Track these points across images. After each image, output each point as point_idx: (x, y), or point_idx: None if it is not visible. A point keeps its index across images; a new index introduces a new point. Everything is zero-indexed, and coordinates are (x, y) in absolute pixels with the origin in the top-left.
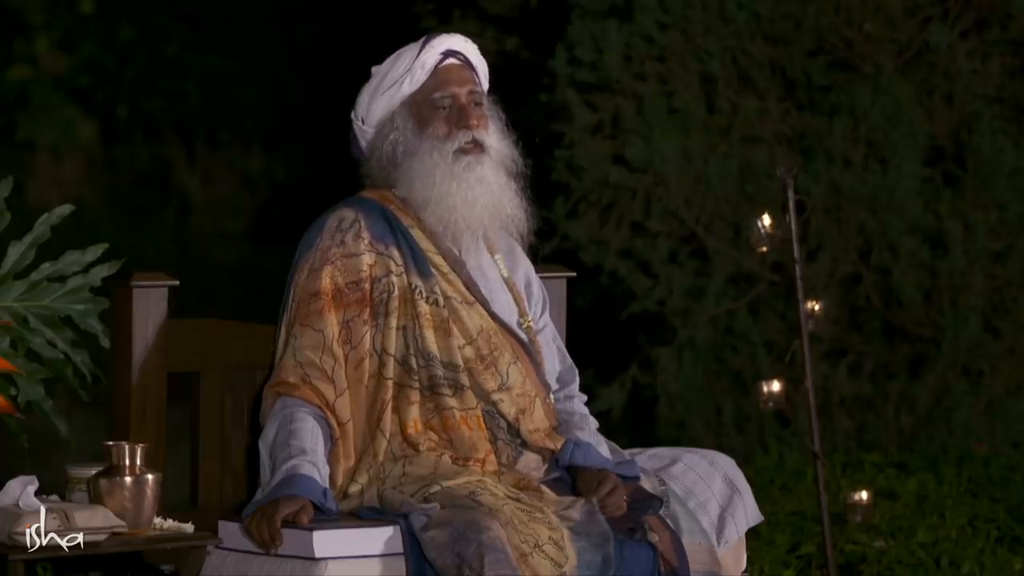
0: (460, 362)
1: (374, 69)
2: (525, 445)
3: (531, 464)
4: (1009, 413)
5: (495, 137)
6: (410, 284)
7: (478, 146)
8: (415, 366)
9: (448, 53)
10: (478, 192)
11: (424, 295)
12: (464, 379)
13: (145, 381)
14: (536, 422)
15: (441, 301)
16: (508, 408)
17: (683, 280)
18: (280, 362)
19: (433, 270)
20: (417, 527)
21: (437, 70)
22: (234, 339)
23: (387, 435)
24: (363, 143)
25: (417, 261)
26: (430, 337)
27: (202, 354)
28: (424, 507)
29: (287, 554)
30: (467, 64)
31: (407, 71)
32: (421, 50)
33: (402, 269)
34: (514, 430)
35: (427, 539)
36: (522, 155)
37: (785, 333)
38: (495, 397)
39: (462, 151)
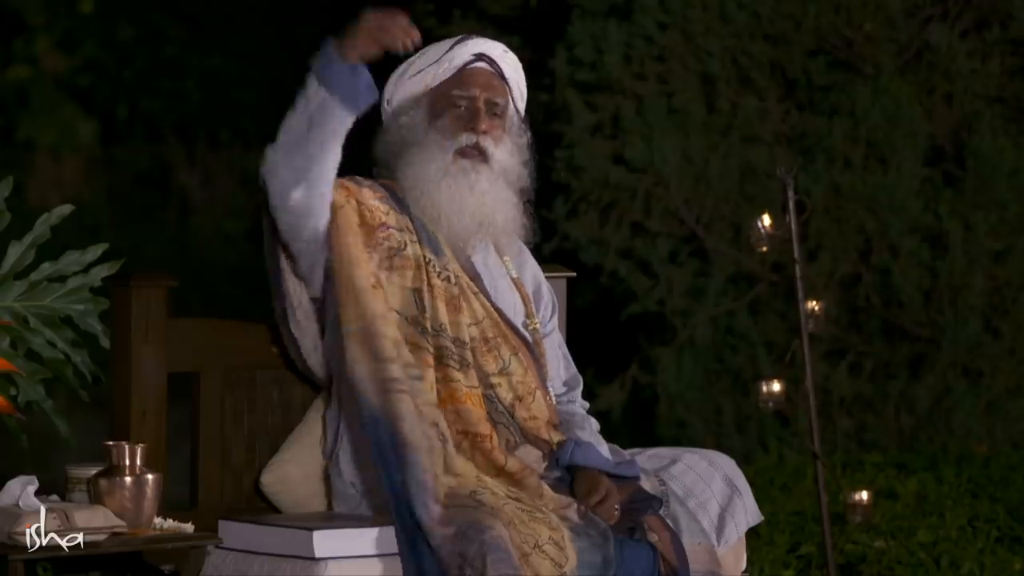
0: (467, 340)
1: (412, 58)
2: (524, 436)
3: (531, 458)
4: (1009, 413)
5: (504, 152)
6: (424, 255)
7: (480, 153)
8: (429, 329)
9: (480, 56)
10: (467, 197)
11: (437, 270)
12: (469, 357)
13: (145, 381)
14: (534, 411)
15: (453, 279)
16: (505, 393)
17: (683, 280)
18: None
19: (445, 249)
20: (429, 515)
21: (464, 69)
22: (234, 339)
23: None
24: (385, 121)
25: (430, 239)
26: (442, 308)
27: (202, 354)
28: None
29: (287, 554)
30: (498, 73)
31: (435, 63)
32: (454, 46)
33: (416, 238)
34: (510, 415)
35: (432, 531)
36: (534, 178)
37: (785, 333)
38: (494, 380)
39: (462, 153)
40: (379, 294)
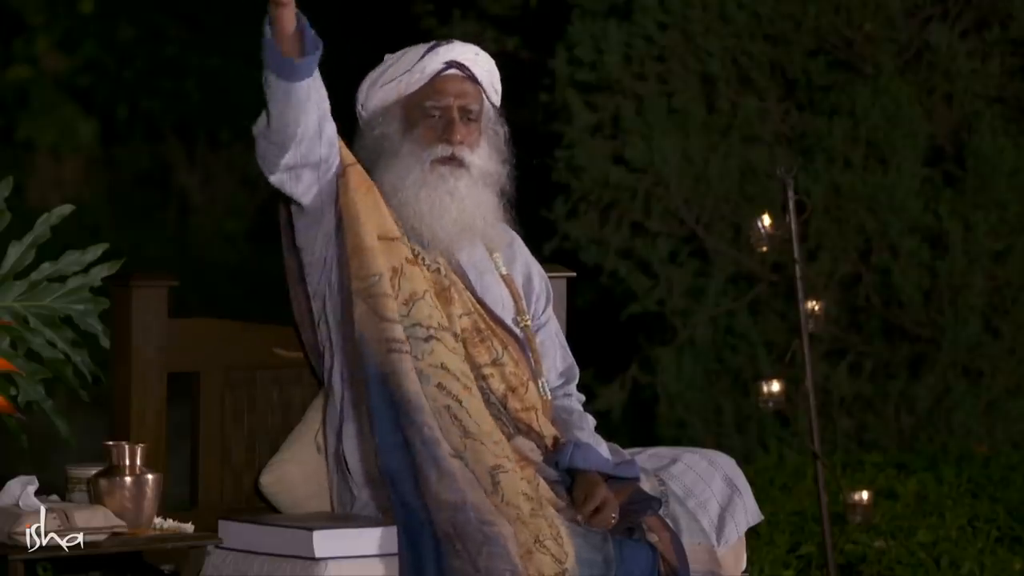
0: (459, 331)
1: (386, 57)
2: (517, 428)
3: (525, 449)
4: (1009, 413)
5: (481, 156)
6: (412, 248)
7: (456, 161)
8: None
9: (452, 64)
10: (447, 204)
11: (426, 263)
12: (461, 349)
13: (145, 381)
14: (527, 401)
15: (442, 270)
16: (497, 384)
17: (683, 280)
18: None
19: (429, 244)
20: (430, 495)
21: (436, 78)
22: (234, 339)
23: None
24: (361, 126)
25: (416, 235)
26: (432, 301)
27: (202, 354)
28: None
29: (287, 554)
30: (471, 78)
31: (407, 71)
32: (425, 54)
33: (403, 234)
34: (502, 406)
35: (434, 515)
36: (514, 174)
37: (785, 333)
38: (486, 371)
39: (438, 162)
40: (382, 252)
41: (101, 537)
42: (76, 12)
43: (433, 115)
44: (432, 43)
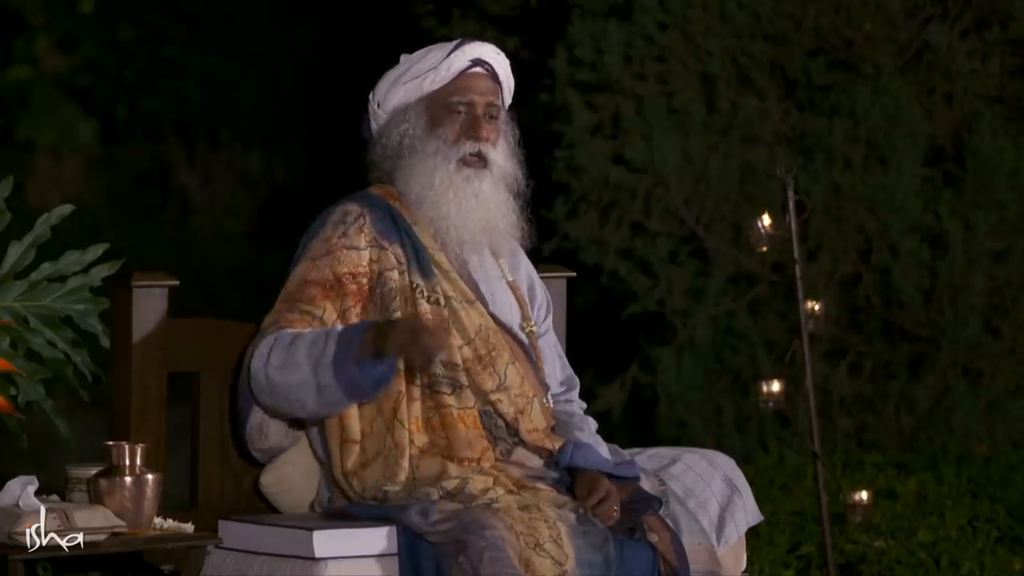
0: (459, 362)
1: (403, 57)
2: (522, 444)
3: (531, 463)
4: (1009, 413)
5: (502, 154)
6: (411, 283)
7: (482, 160)
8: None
9: (477, 62)
10: (473, 206)
11: (425, 295)
12: (462, 378)
13: (145, 381)
14: (534, 422)
15: (442, 301)
16: (507, 408)
17: (683, 280)
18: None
19: (434, 268)
20: (428, 519)
21: (462, 75)
22: (234, 339)
23: (406, 425)
24: (374, 126)
25: (419, 260)
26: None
27: (202, 354)
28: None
29: (287, 554)
30: (493, 76)
31: (432, 69)
32: (452, 52)
33: (404, 267)
34: (512, 430)
35: (432, 530)
36: (526, 174)
37: (785, 333)
38: (493, 397)
39: (465, 162)
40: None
41: (101, 537)
42: (76, 12)
43: (459, 111)
44: (457, 41)
